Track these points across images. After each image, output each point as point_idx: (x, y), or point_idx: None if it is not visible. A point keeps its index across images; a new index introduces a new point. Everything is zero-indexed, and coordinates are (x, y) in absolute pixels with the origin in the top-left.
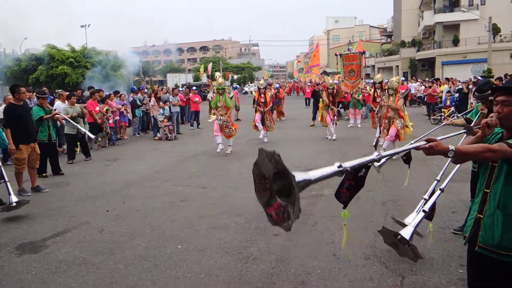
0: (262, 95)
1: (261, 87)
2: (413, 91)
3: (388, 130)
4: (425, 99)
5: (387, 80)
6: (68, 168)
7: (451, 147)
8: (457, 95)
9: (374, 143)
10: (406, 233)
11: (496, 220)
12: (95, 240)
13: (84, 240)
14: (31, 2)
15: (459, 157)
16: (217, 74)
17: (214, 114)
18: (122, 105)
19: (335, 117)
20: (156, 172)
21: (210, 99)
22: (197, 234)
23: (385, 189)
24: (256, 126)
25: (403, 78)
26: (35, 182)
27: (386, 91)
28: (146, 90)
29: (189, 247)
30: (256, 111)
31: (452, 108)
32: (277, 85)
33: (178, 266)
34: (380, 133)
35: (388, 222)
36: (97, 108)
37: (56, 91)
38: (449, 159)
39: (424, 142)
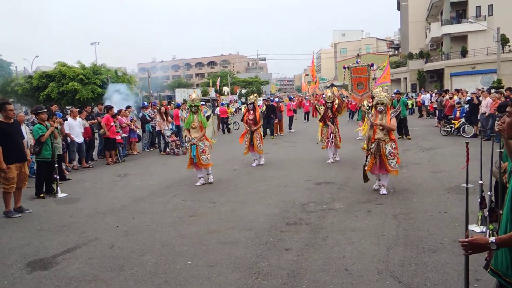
0: (251, 112)
1: (249, 103)
2: (426, 103)
3: (376, 157)
4: (442, 111)
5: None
6: (79, 184)
7: (491, 239)
8: (467, 106)
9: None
10: None
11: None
12: (105, 256)
13: (94, 256)
14: (43, 19)
15: (502, 247)
16: (193, 90)
17: (186, 136)
18: (131, 121)
19: (333, 135)
20: (165, 187)
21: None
22: (207, 249)
23: (396, 202)
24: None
25: (397, 89)
26: (18, 202)
27: (375, 107)
28: (157, 106)
29: (199, 263)
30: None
31: (463, 120)
32: (277, 99)
33: (188, 282)
34: (366, 159)
35: (400, 236)
36: (113, 124)
37: (67, 107)
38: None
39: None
